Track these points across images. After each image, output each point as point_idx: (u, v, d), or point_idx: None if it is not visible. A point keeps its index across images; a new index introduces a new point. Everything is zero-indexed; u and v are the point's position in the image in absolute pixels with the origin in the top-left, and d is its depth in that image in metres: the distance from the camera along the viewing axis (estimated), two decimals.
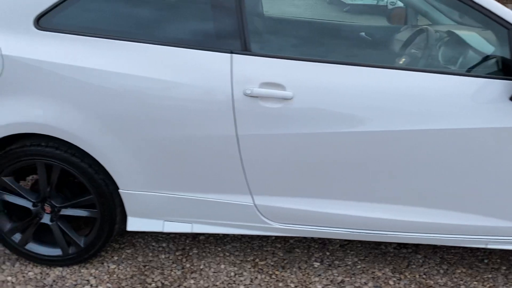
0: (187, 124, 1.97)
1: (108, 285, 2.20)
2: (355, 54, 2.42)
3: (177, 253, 2.42)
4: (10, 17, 2.01)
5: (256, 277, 2.26)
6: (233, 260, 2.38)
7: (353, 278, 2.27)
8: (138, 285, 2.20)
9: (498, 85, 1.91)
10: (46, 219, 2.22)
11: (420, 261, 2.41)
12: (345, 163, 1.98)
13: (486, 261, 2.42)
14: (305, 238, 2.55)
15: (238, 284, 2.21)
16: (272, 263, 2.36)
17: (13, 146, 2.09)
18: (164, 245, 2.48)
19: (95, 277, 2.24)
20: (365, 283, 2.24)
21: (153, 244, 2.49)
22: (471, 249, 2.50)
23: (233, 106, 1.94)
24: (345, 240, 2.55)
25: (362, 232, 2.13)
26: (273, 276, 2.27)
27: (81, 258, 2.28)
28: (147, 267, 2.32)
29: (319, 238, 2.55)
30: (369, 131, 1.91)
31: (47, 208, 2.20)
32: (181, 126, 1.98)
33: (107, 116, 1.98)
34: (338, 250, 2.47)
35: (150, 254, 2.41)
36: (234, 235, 2.57)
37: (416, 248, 2.51)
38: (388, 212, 2.07)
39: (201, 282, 2.22)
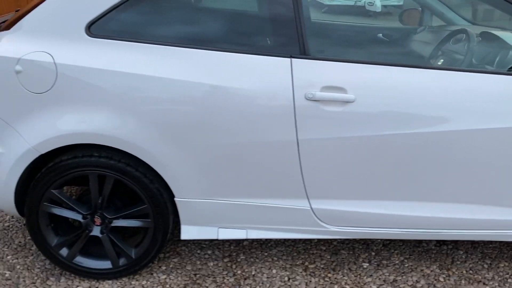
0: (247, 130, 1.96)
1: None
2: (408, 56, 2.45)
3: (225, 260, 2.40)
4: (61, 25, 1.95)
5: (310, 281, 2.26)
6: (282, 265, 2.37)
7: (404, 277, 2.30)
8: None
9: None
10: (96, 231, 2.16)
11: (463, 256, 2.46)
12: (406, 164, 2.01)
13: None
14: (348, 239, 2.57)
15: None
16: (322, 266, 2.37)
17: (64, 157, 2.02)
18: (209, 252, 2.46)
19: None
20: (417, 281, 2.27)
21: (198, 251, 2.46)
22: (508, 243, 2.57)
23: (294, 111, 1.94)
24: (387, 240, 2.58)
25: (417, 231, 2.16)
26: (326, 279, 2.28)
27: (132, 270, 2.23)
28: (198, 275, 2.29)
29: (362, 239, 2.57)
30: (431, 131, 1.94)
31: (97, 220, 2.14)
32: (241, 132, 1.96)
33: (165, 123, 1.95)
34: (382, 250, 2.50)
35: (198, 262, 2.38)
36: (277, 239, 2.56)
37: (456, 244, 2.56)
38: (446, 211, 2.11)
39: None
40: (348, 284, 2.24)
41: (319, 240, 2.57)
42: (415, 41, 2.86)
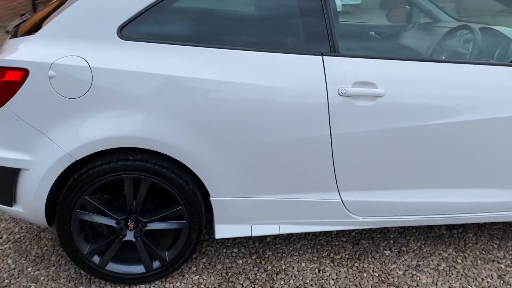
0: (282, 127, 2.01)
1: None
2: (428, 51, 2.56)
3: (253, 257, 2.43)
4: (92, 28, 1.93)
5: (339, 271, 2.34)
6: (310, 257, 2.43)
7: (425, 261, 2.42)
8: None
9: None
10: (129, 236, 2.14)
11: (473, 239, 2.62)
12: (429, 154, 2.12)
13: None
14: (366, 229, 2.67)
15: (327, 279, 2.28)
16: (347, 256, 2.45)
17: (97, 163, 1.99)
18: (235, 250, 2.48)
19: None
20: (438, 264, 2.40)
21: (224, 251, 2.48)
22: (509, 223, 2.75)
23: (328, 106, 2.00)
24: (401, 227, 2.69)
25: (433, 217, 2.28)
26: (354, 268, 2.36)
27: (165, 273, 2.22)
28: (229, 273, 2.31)
29: (379, 228, 2.68)
30: (456, 121, 2.06)
31: (131, 225, 2.12)
32: (277, 129, 2.01)
33: (203, 124, 1.96)
34: (399, 237, 2.62)
35: (227, 261, 2.40)
36: (298, 233, 2.62)
37: (464, 228, 2.72)
38: (464, 196, 2.24)
39: (291, 282, 2.26)
40: (376, 272, 2.34)
41: (338, 231, 2.65)
42: (423, 38, 2.97)
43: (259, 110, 1.97)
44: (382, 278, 2.29)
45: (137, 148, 2.01)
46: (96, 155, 2.01)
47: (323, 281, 2.27)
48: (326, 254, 2.47)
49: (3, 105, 1.93)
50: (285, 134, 2.02)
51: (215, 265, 2.37)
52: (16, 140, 1.97)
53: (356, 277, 2.30)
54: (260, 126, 1.99)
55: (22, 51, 1.92)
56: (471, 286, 2.24)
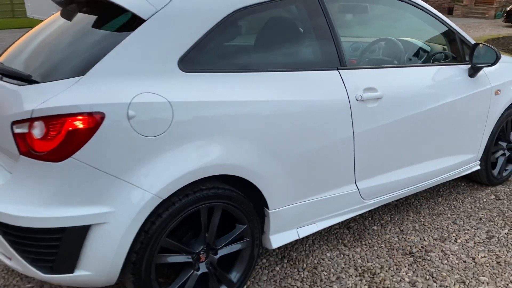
0: (320, 134, 2.31)
1: None
2: (409, 59, 3.09)
3: (285, 261, 2.62)
4: (153, 63, 1.90)
5: (356, 251, 2.73)
6: (327, 248, 2.76)
7: (404, 227, 3.01)
8: None
9: (462, 68, 2.99)
10: (202, 268, 2.11)
11: (417, 204, 3.34)
12: (416, 134, 2.72)
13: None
14: None
15: (355, 259, 2.64)
16: (352, 239, 2.86)
17: (174, 199, 1.92)
18: (264, 261, 2.63)
19: None
20: (413, 226, 3.02)
21: (264, 261, 2.60)
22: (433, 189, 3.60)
23: (350, 111, 2.39)
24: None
25: (416, 186, 2.90)
26: (364, 246, 2.79)
27: None
28: (278, 280, 2.46)
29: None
30: (427, 109, 2.70)
31: (203, 256, 2.10)
32: (316, 136, 2.30)
33: (264, 142, 2.11)
34: (372, 215, 3.15)
35: (267, 271, 2.53)
36: None
37: (406, 198, 3.43)
38: (428, 167, 2.91)
39: (332, 270, 2.54)
40: (381, 244, 2.81)
41: None
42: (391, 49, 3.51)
43: (303, 121, 2.22)
44: (389, 246, 2.77)
45: (205, 177, 2.02)
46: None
47: (353, 262, 2.63)
48: (336, 242, 2.83)
49: (70, 156, 1.72)
50: (323, 139, 2.31)
51: (260, 278, 2.48)
52: (86, 193, 1.76)
53: (373, 252, 2.72)
54: (305, 135, 2.24)
55: (83, 94, 1.74)
56: (441, 231, 2.92)
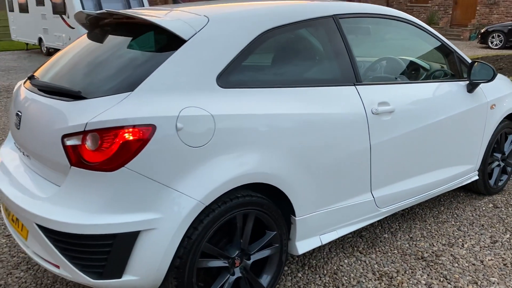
0: (342, 144, 2.47)
1: None
2: (413, 76, 3.28)
3: (306, 268, 2.74)
4: (194, 80, 2.04)
5: (372, 257, 2.87)
6: (344, 255, 2.89)
7: (413, 234, 3.17)
8: None
9: (461, 84, 3.23)
10: (237, 273, 2.22)
11: (422, 213, 3.52)
12: (425, 145, 2.91)
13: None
14: None
15: (371, 265, 2.78)
16: (366, 246, 3.00)
17: (213, 206, 2.05)
18: (286, 268, 2.74)
19: None
20: (421, 233, 3.18)
21: (286, 269, 2.71)
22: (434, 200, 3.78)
23: (367, 123, 2.57)
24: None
25: (424, 195, 3.08)
26: (379, 252, 2.93)
27: None
28: (302, 286, 2.58)
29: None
30: (433, 122, 2.90)
31: (237, 262, 2.21)
32: (339, 146, 2.46)
33: (295, 152, 2.27)
34: (381, 224, 3.31)
35: (290, 278, 2.65)
36: None
37: (411, 208, 3.60)
38: (434, 176, 3.10)
39: (352, 275, 2.68)
40: (394, 250, 2.96)
41: None
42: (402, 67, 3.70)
43: (327, 133, 2.39)
44: (402, 252, 2.93)
45: (240, 186, 2.15)
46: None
47: (370, 267, 2.77)
48: (351, 249, 2.97)
49: (123, 166, 1.84)
50: (344, 150, 2.48)
51: (285, 284, 2.59)
52: (137, 201, 1.87)
53: (387, 258, 2.87)
54: (329, 146, 2.40)
55: (134, 108, 1.87)
56: (448, 237, 3.09)
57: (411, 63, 3.47)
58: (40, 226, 1.93)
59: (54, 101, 2.07)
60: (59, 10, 13.69)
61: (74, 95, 2.01)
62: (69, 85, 2.11)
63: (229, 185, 2.03)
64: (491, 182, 3.80)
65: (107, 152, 1.84)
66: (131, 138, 1.83)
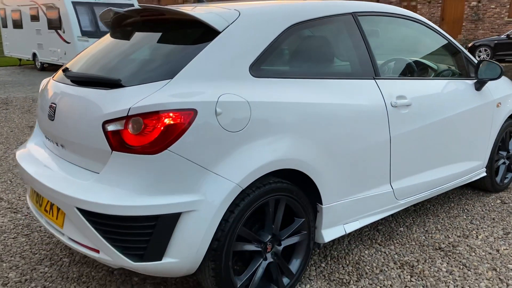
0: (365, 134, 2.56)
1: None
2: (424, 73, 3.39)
3: (328, 259, 2.80)
4: (228, 69, 2.12)
5: (391, 248, 2.94)
6: (364, 246, 2.96)
7: (427, 227, 3.25)
8: None
9: (469, 83, 3.35)
10: (269, 258, 2.27)
11: (433, 209, 3.61)
12: (441, 139, 3.01)
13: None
14: None
15: (392, 256, 2.85)
16: (384, 239, 3.07)
17: (248, 191, 2.10)
18: (315, 258, 2.79)
19: None
20: (435, 227, 3.26)
21: None
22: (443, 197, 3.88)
23: (387, 115, 2.67)
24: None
25: (438, 189, 3.17)
26: (397, 244, 3.00)
27: (293, 287, 2.40)
28: (327, 275, 2.63)
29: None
30: (446, 117, 3.01)
31: (269, 247, 2.26)
32: (362, 137, 2.55)
33: (323, 140, 2.35)
34: (396, 218, 3.39)
35: (314, 268, 2.70)
36: None
37: (421, 203, 3.69)
38: (447, 170, 3.20)
39: (374, 264, 2.74)
40: (411, 242, 3.03)
41: None
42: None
43: (352, 123, 2.48)
44: (419, 244, 3.00)
45: (271, 172, 2.22)
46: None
47: (390, 257, 2.83)
48: (370, 242, 3.03)
49: (166, 149, 1.90)
50: (367, 140, 2.57)
51: (310, 273, 2.64)
52: (178, 183, 1.93)
53: (406, 249, 2.94)
54: (353, 136, 2.49)
55: (176, 93, 1.94)
56: (462, 230, 3.17)
57: (420, 63, 3.60)
58: (81, 210, 1.97)
59: (93, 90, 2.13)
60: (55, 25, 13.79)
61: (113, 84, 2.07)
62: (107, 75, 2.18)
63: (264, 170, 2.10)
64: (498, 179, 3.91)
65: (150, 136, 1.90)
66: (173, 122, 1.89)
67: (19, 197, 3.86)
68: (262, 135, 2.11)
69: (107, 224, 1.93)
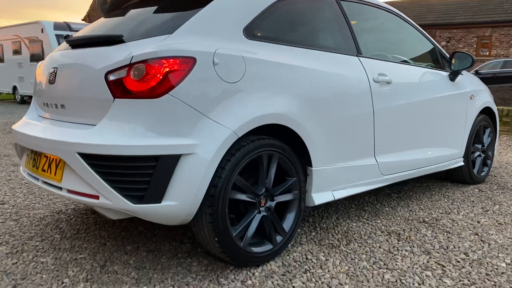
0: (350, 104, 2.72)
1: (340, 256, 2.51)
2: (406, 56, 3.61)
3: (318, 230, 2.88)
4: (224, 29, 2.28)
5: (376, 221, 3.04)
6: (360, 224, 3.05)
7: (412, 207, 3.38)
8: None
9: (443, 74, 3.59)
10: (263, 212, 2.34)
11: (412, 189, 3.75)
12: (421, 120, 3.19)
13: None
14: (355, 196, 3.45)
15: (381, 226, 2.94)
16: (371, 216, 3.17)
17: (243, 143, 2.21)
18: (305, 229, 2.87)
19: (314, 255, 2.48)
20: (419, 207, 3.39)
21: (299, 231, 2.83)
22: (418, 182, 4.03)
23: (370, 89, 2.85)
24: (372, 192, 3.60)
25: (419, 170, 3.32)
26: (384, 221, 3.11)
27: (285, 245, 2.46)
28: (318, 241, 2.70)
29: (360, 197, 3.51)
30: (424, 99, 3.21)
31: (263, 201, 2.34)
32: (347, 105, 2.70)
33: (313, 103, 2.49)
34: (378, 199, 3.51)
35: (304, 235, 2.77)
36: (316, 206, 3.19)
37: (403, 182, 3.83)
38: (428, 153, 3.37)
39: (362, 232, 2.83)
40: (395, 217, 3.14)
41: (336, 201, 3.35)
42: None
43: (339, 90, 2.64)
44: (404, 218, 3.11)
45: (259, 129, 2.34)
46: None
47: (377, 228, 2.92)
48: (357, 218, 3.13)
49: (167, 93, 2.00)
50: (352, 109, 2.72)
51: (301, 239, 2.71)
52: (178, 126, 2.02)
53: (391, 222, 3.04)
54: (340, 102, 2.64)
55: (177, 43, 2.07)
56: (444, 209, 3.30)
57: (397, 58, 3.84)
58: (82, 155, 2.03)
59: (95, 48, 2.24)
60: (37, 58, 13.92)
61: (115, 41, 2.19)
62: (109, 34, 2.30)
63: (259, 121, 2.21)
64: (475, 171, 4.10)
65: (153, 81, 2.01)
66: (174, 68, 2.02)
67: (5, 194, 3.84)
68: (257, 90, 2.24)
69: (108, 166, 2.00)
